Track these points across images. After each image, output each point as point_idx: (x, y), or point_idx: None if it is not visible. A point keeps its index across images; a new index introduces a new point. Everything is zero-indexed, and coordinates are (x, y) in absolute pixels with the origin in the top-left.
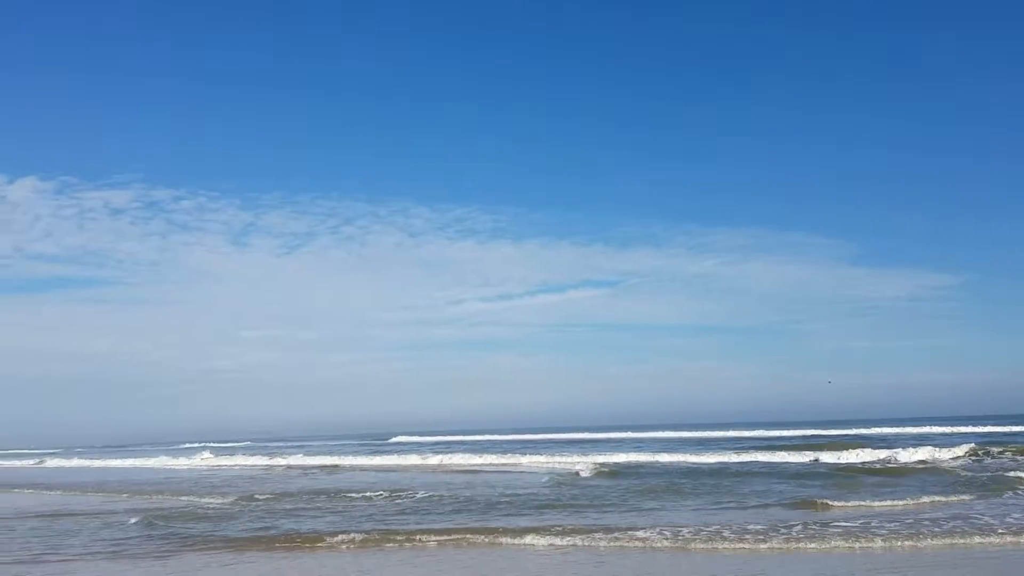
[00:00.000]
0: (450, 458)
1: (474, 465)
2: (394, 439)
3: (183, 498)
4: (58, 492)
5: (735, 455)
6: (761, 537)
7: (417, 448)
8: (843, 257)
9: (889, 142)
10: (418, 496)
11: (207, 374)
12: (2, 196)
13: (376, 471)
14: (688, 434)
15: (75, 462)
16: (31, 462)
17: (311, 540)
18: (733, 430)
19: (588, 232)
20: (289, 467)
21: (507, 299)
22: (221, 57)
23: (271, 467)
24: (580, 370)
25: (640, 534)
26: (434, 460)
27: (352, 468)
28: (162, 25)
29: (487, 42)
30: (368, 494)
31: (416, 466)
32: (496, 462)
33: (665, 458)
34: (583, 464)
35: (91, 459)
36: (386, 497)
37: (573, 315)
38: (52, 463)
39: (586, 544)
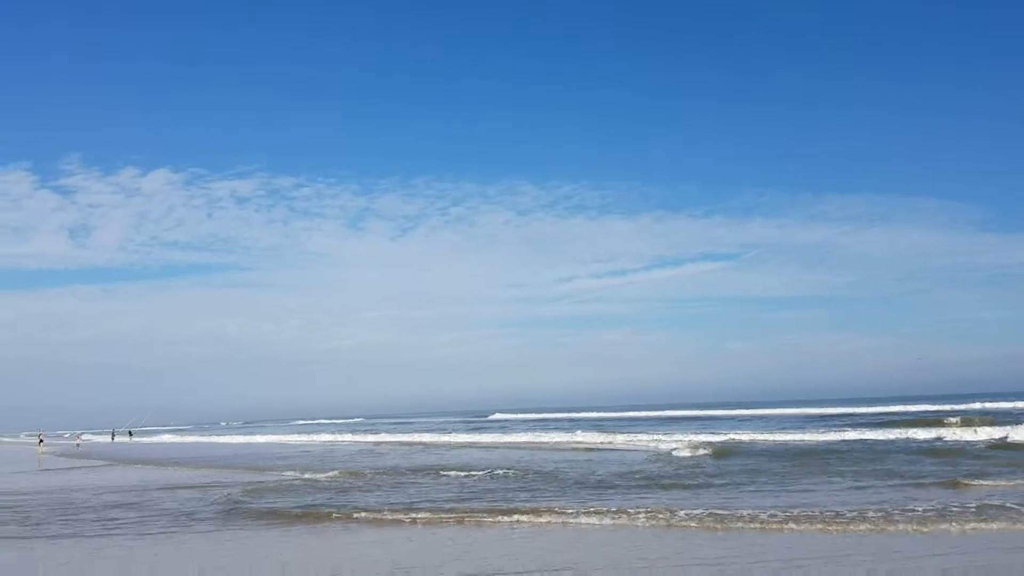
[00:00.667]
0: (542, 436)
1: (565, 443)
2: (493, 416)
3: (287, 473)
4: (172, 468)
5: (852, 432)
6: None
7: (513, 426)
8: (970, 222)
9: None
10: (497, 473)
11: (327, 354)
12: (137, 188)
13: (464, 448)
14: (811, 410)
15: (205, 438)
16: (172, 437)
17: (380, 514)
18: (855, 406)
19: (706, 203)
20: (393, 444)
21: (619, 275)
22: (338, 48)
23: (379, 443)
24: (697, 346)
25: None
26: (524, 438)
27: (446, 445)
28: (279, 17)
29: (596, 26)
30: (454, 472)
31: (507, 444)
32: (590, 440)
33: (777, 436)
34: (680, 443)
35: (219, 435)
36: (464, 476)
37: (691, 289)
38: (190, 439)
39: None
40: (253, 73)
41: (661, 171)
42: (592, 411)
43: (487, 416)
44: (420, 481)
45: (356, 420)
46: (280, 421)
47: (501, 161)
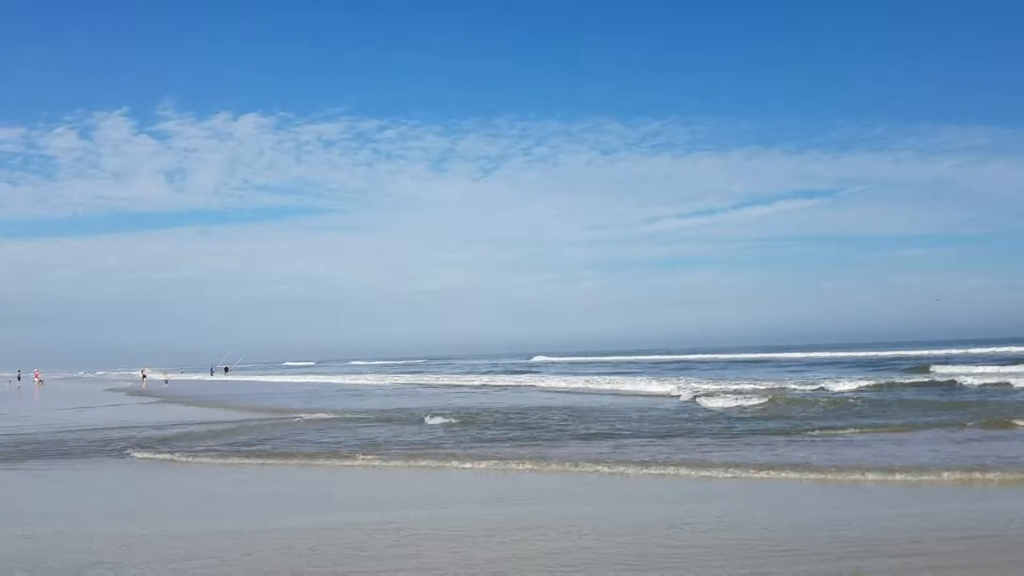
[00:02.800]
0: (571, 381)
1: (590, 389)
2: (536, 358)
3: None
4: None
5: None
6: None
7: (550, 369)
8: None
9: None
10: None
11: (412, 295)
12: (229, 132)
13: (483, 391)
14: (905, 352)
15: (282, 377)
16: (255, 376)
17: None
18: (962, 347)
19: (801, 137)
20: (412, 384)
21: (707, 214)
22: None
23: (402, 384)
24: (789, 287)
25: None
26: (547, 383)
27: (458, 387)
28: None
29: None
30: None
31: (531, 387)
32: (616, 387)
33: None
34: (695, 391)
35: (295, 374)
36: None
37: (783, 228)
38: (268, 377)
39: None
40: (336, 18)
41: (755, 103)
42: (675, 354)
43: (530, 358)
44: (371, 426)
45: (420, 361)
46: (361, 360)
47: (585, 97)
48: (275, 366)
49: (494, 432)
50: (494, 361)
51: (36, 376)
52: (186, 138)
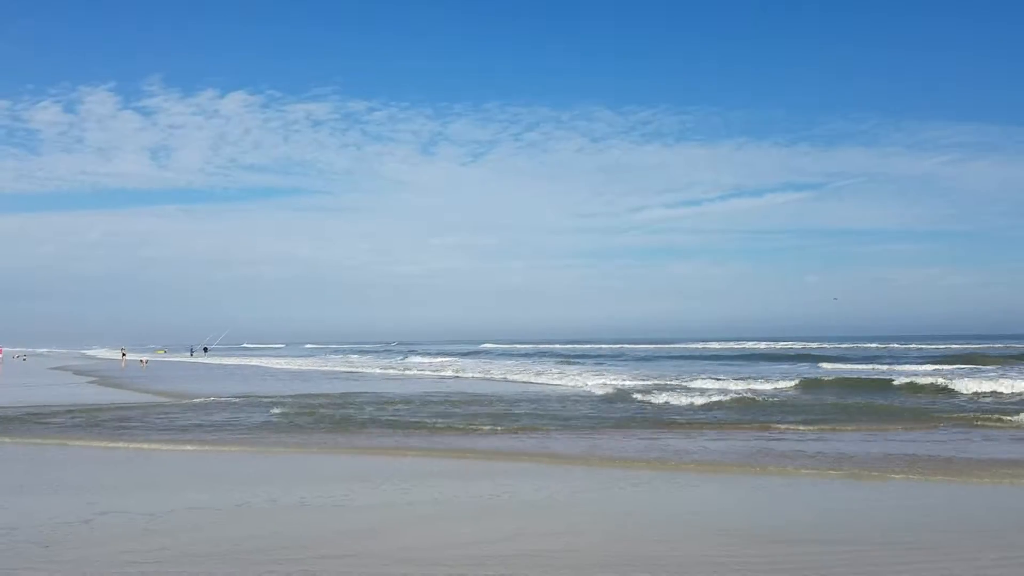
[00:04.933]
0: (493, 370)
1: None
2: (484, 345)
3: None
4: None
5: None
6: None
7: (495, 357)
8: None
9: None
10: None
11: (397, 279)
12: (216, 110)
13: (397, 380)
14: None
15: (248, 360)
16: (229, 359)
17: None
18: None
19: (791, 130)
20: (348, 370)
21: (694, 204)
22: None
23: (343, 371)
24: (775, 279)
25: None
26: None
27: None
28: None
29: None
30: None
31: (443, 377)
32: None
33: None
34: (601, 384)
35: (267, 357)
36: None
37: (771, 221)
38: (235, 360)
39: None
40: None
41: (746, 94)
42: (641, 343)
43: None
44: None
45: (374, 345)
46: (323, 343)
47: (577, 84)
48: (238, 349)
49: (306, 420)
50: (443, 347)
51: None
52: (172, 115)
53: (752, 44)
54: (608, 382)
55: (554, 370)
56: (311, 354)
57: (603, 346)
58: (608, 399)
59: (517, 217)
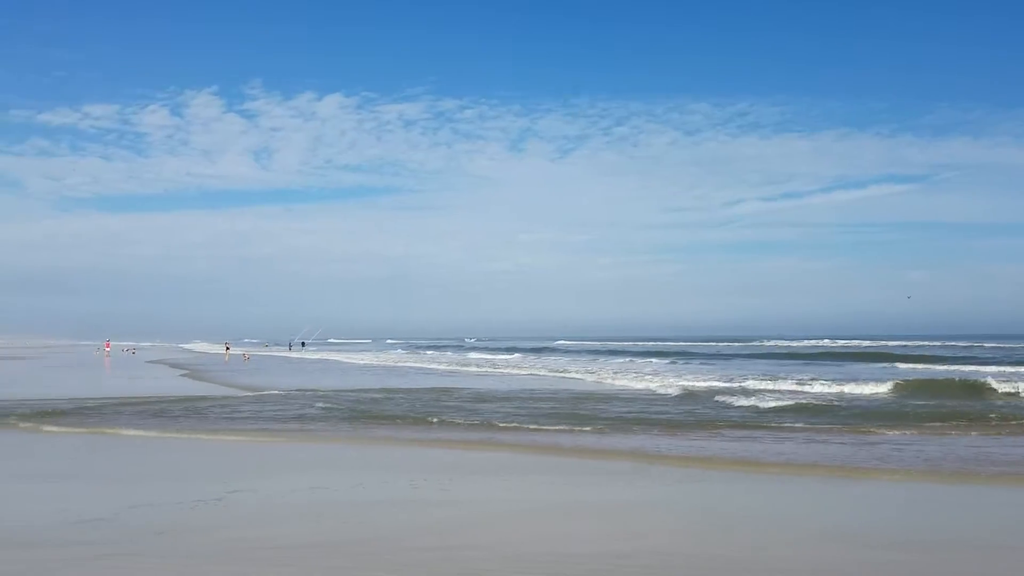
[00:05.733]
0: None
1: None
2: (559, 342)
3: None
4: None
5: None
6: None
7: (565, 353)
8: None
9: None
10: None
11: (486, 276)
12: (313, 112)
13: (449, 375)
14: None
15: (335, 355)
16: (324, 354)
17: None
18: None
19: (894, 120)
20: (416, 366)
21: (793, 198)
22: None
23: (412, 366)
24: (876, 275)
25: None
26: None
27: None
28: None
29: None
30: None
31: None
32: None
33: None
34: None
35: (351, 352)
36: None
37: (872, 214)
38: (326, 355)
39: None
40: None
41: (847, 84)
42: (725, 341)
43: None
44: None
45: (473, 340)
46: (423, 338)
47: (671, 76)
48: (325, 345)
49: (395, 411)
50: (513, 344)
51: (107, 347)
52: (272, 117)
53: (851, 34)
54: (690, 382)
55: (633, 368)
56: (390, 349)
57: (686, 343)
58: (691, 398)
59: (606, 213)
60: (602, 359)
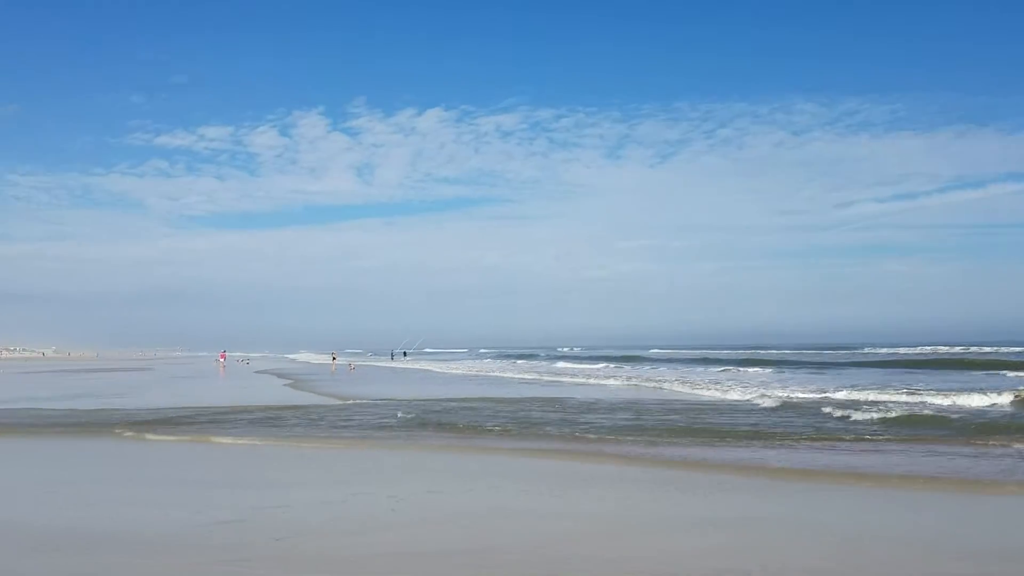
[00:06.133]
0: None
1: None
2: (652, 351)
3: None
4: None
5: None
6: None
7: (659, 362)
8: None
9: None
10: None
11: (583, 283)
12: (413, 127)
13: (528, 384)
14: None
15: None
16: (419, 364)
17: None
18: None
19: (1017, 115)
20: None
21: (909, 199)
22: None
23: (495, 376)
24: (996, 279)
25: None
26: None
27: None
28: None
29: None
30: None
31: (599, 384)
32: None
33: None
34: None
35: (451, 361)
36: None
37: (993, 214)
38: (421, 365)
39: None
40: (519, 12)
41: (964, 79)
42: (830, 349)
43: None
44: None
45: (538, 350)
46: (517, 347)
47: (775, 76)
48: (421, 354)
49: (492, 423)
50: (607, 352)
51: (222, 358)
52: (375, 134)
53: (968, 23)
54: (794, 392)
55: (733, 378)
56: (483, 358)
57: (790, 351)
58: (795, 409)
59: (709, 218)
60: (699, 368)
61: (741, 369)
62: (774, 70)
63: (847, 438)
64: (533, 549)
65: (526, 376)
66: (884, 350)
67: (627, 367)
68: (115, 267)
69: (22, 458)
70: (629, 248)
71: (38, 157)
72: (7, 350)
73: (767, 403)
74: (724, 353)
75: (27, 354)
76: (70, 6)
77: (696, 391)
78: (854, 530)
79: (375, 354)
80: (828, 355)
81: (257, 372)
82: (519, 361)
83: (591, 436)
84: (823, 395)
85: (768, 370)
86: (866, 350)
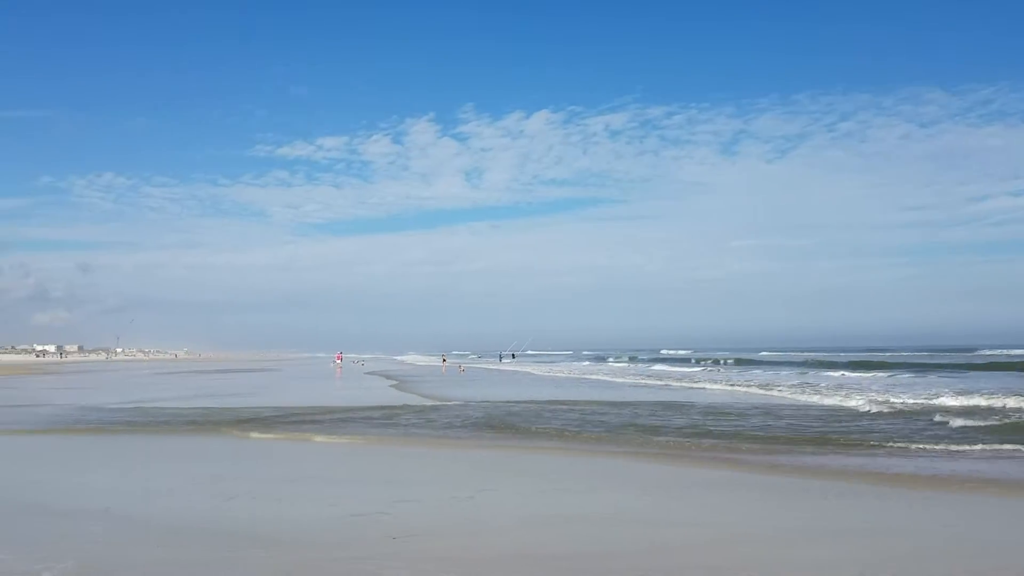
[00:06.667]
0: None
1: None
2: (761, 353)
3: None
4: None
5: None
6: None
7: (770, 366)
8: None
9: None
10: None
11: (694, 284)
12: (521, 130)
13: (621, 387)
14: None
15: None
16: (522, 367)
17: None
18: None
19: None
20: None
21: None
22: None
23: (581, 377)
24: None
25: None
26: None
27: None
28: None
29: None
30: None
31: (699, 387)
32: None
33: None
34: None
35: (536, 364)
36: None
37: None
38: (525, 368)
39: None
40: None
41: None
42: (956, 351)
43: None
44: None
45: (627, 352)
46: (628, 350)
47: (900, 66)
48: (526, 356)
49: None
50: (712, 354)
51: (338, 359)
52: (483, 139)
53: None
54: (914, 398)
55: (841, 383)
56: (594, 360)
57: (912, 353)
58: (913, 415)
59: (830, 214)
60: (811, 372)
61: (851, 374)
62: (900, 60)
63: (962, 445)
64: (653, 555)
65: (632, 380)
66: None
67: (734, 371)
68: (240, 273)
69: (162, 453)
70: (744, 247)
71: (170, 170)
72: (143, 351)
73: (878, 408)
74: (838, 355)
75: (161, 355)
76: (194, 27)
77: (807, 396)
78: (999, 542)
79: (481, 356)
80: (946, 357)
81: (368, 374)
82: (624, 363)
83: (704, 442)
84: (937, 400)
85: (883, 374)
86: (985, 352)
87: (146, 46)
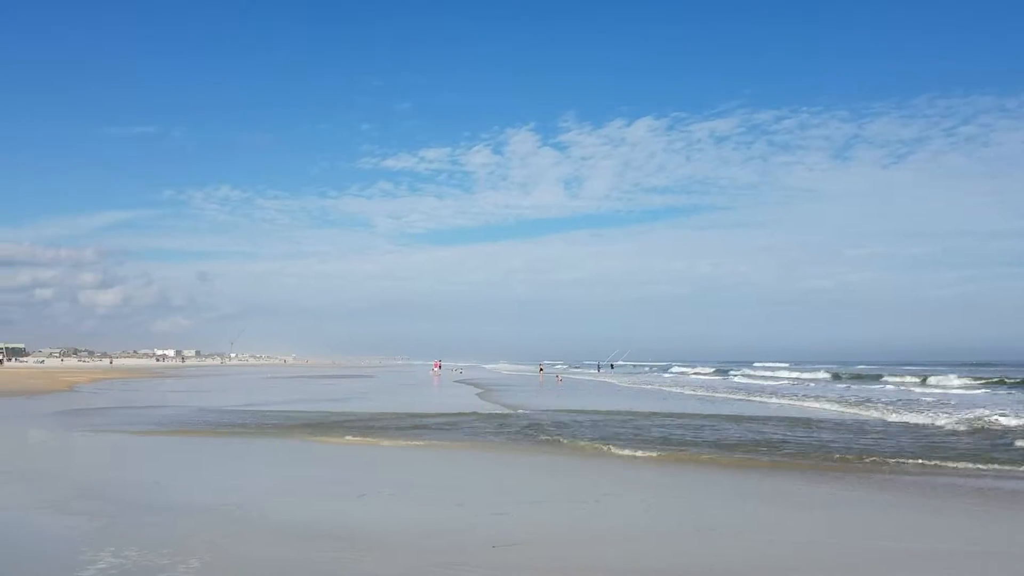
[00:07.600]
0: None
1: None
2: (859, 367)
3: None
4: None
5: None
6: None
7: (875, 380)
8: None
9: None
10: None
11: (804, 295)
12: (623, 138)
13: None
14: None
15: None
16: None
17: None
18: None
19: None
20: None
21: None
22: None
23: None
24: None
25: None
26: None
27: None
28: None
29: None
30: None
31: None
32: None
33: None
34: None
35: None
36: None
37: None
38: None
39: None
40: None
41: None
42: None
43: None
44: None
45: (715, 364)
46: (728, 362)
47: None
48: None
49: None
50: (819, 367)
51: (435, 367)
52: (583, 147)
53: None
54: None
55: (949, 399)
56: (691, 368)
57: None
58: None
59: (950, 222)
60: (917, 390)
61: (967, 392)
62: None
63: None
64: (749, 574)
65: (738, 396)
66: None
67: (842, 385)
68: (346, 282)
69: (274, 455)
70: (858, 256)
71: (282, 183)
72: (254, 357)
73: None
74: (962, 369)
75: (271, 361)
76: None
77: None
78: None
79: (576, 366)
80: None
81: (456, 382)
82: (731, 376)
83: (803, 460)
84: None
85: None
86: None
87: (249, 58)
